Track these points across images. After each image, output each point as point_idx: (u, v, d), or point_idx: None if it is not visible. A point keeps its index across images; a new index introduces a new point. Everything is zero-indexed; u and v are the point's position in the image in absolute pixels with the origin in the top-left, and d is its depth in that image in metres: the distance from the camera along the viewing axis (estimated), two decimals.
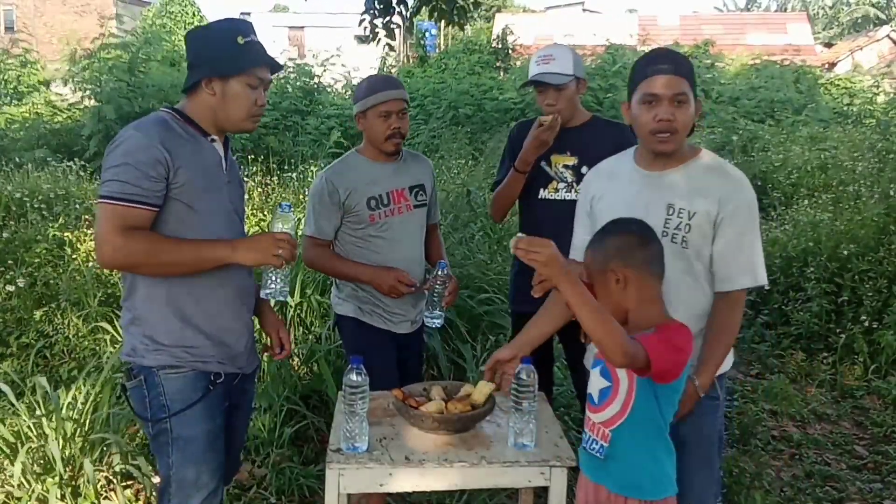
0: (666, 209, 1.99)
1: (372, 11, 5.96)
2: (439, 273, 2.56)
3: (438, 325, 2.67)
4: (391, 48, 6.39)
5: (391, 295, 2.54)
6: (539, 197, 2.72)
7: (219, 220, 1.99)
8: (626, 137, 2.72)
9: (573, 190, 2.67)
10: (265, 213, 6.04)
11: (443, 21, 6.15)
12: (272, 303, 2.04)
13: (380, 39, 6.10)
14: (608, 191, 2.13)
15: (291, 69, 12.44)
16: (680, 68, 1.96)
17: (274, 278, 1.98)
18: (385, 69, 14.25)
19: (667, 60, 1.97)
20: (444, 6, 5.91)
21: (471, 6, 6.21)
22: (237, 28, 1.96)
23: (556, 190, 2.70)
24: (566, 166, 2.69)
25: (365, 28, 6.02)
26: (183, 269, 1.90)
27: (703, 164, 2.04)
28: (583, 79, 2.72)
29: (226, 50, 1.93)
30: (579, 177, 2.66)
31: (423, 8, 5.97)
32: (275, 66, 2.02)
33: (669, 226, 1.98)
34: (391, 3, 5.92)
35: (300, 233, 3.01)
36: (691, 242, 1.97)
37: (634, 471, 1.77)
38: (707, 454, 2.06)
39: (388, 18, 6.00)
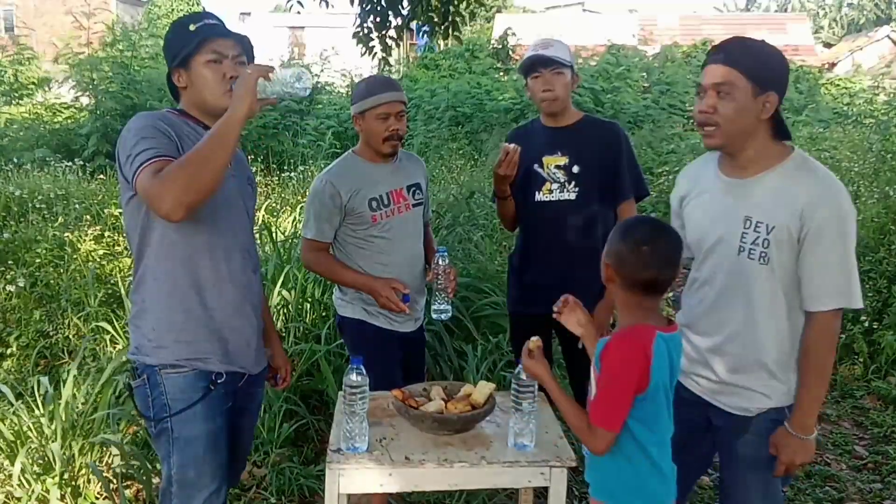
0: (743, 222, 1.83)
1: (366, 27, 5.94)
2: (440, 262, 2.56)
3: (446, 318, 2.64)
4: (387, 63, 6.34)
5: (387, 307, 2.52)
6: (535, 200, 2.72)
7: (223, 214, 1.97)
8: (615, 135, 2.74)
9: (566, 190, 2.68)
10: (265, 213, 6.03)
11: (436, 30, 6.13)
12: (306, 88, 1.88)
13: (375, 53, 6.08)
14: (693, 194, 2.02)
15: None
16: (734, 57, 1.76)
17: (285, 80, 1.81)
18: (385, 70, 14.26)
19: (721, 50, 1.80)
20: (436, 18, 5.88)
21: (465, 18, 6.19)
22: (190, 18, 2.01)
23: (551, 191, 2.70)
24: (558, 166, 2.69)
25: (360, 41, 6.00)
26: (220, 158, 1.75)
27: (789, 169, 1.82)
28: (576, 74, 2.74)
29: (180, 40, 1.97)
30: (571, 176, 2.67)
31: (415, 20, 5.94)
32: (238, 39, 2.00)
33: (746, 240, 1.83)
34: (388, 17, 5.90)
35: (299, 233, 2.99)
36: (772, 259, 1.80)
37: (607, 476, 1.77)
38: (758, 477, 1.91)
39: (384, 32, 5.97)
